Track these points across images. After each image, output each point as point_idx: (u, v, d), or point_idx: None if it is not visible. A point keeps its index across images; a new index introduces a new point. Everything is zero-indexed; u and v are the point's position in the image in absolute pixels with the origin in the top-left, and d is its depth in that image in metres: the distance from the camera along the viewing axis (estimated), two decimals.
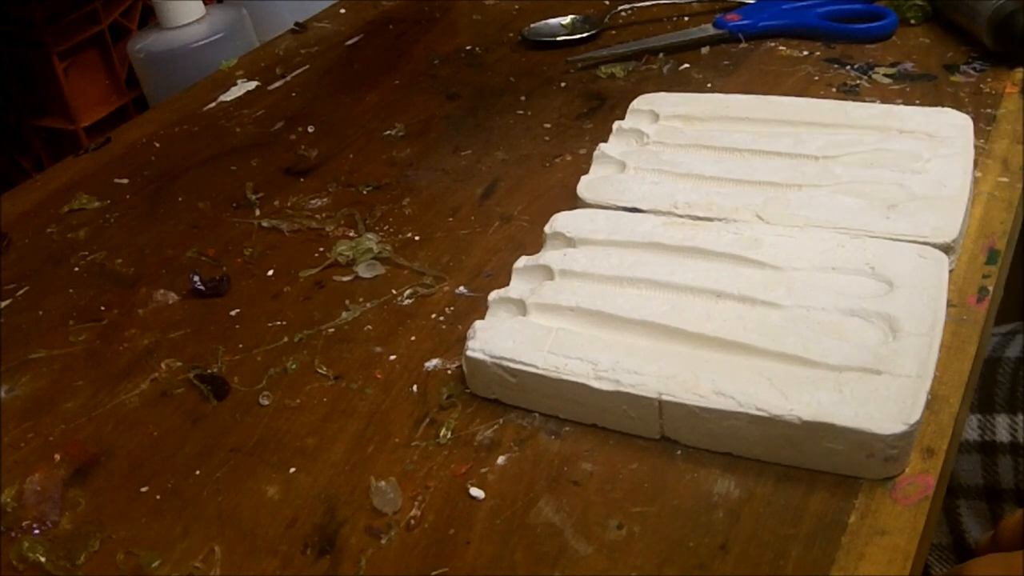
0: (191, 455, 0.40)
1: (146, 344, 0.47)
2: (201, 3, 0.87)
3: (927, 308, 0.37)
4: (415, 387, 0.42)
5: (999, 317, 0.45)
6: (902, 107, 0.52)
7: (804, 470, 0.35)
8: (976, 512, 0.55)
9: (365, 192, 0.57)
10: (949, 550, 0.56)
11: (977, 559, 0.45)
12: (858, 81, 0.59)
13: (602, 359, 0.38)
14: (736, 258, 0.41)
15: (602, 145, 0.52)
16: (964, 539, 0.55)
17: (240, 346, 0.46)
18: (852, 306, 0.38)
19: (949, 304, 0.38)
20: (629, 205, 0.47)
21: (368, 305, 0.47)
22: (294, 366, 0.44)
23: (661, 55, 0.67)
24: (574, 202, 0.49)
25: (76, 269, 0.54)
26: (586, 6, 0.76)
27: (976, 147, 0.49)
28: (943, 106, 0.52)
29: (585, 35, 0.72)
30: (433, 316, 0.46)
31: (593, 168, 0.51)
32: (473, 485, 0.37)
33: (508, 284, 0.43)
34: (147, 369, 0.46)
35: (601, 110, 0.62)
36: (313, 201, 0.57)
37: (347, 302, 0.48)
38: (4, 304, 0.52)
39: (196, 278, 0.50)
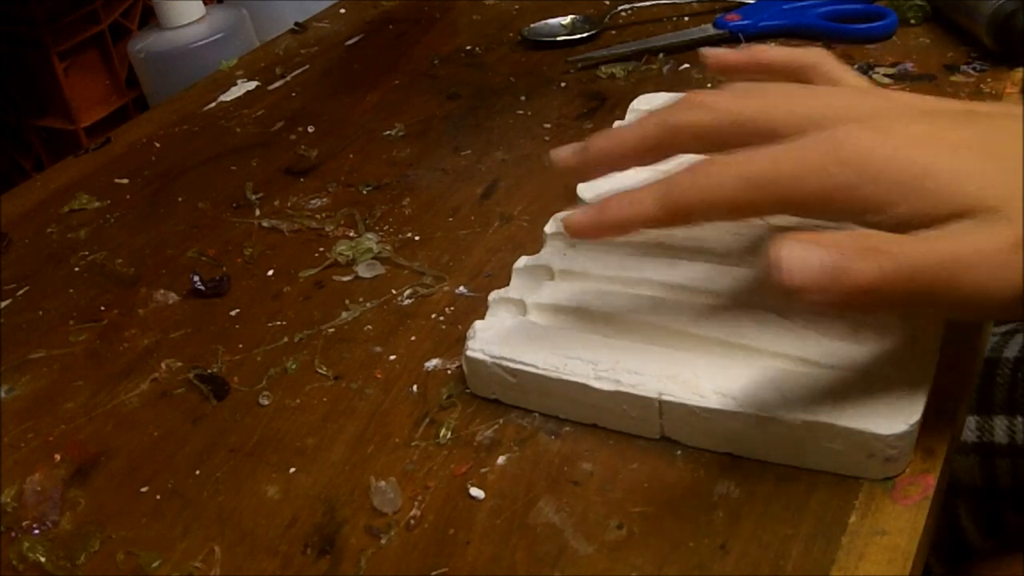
0: (191, 455, 0.40)
1: (146, 344, 0.47)
2: (201, 3, 0.87)
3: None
4: (415, 387, 0.42)
5: None
6: None
7: (804, 470, 0.35)
8: (974, 513, 0.55)
9: (365, 192, 0.57)
10: (948, 551, 0.56)
11: (987, 561, 0.45)
12: None
13: (602, 359, 0.38)
14: (737, 257, 0.41)
15: None
16: (963, 540, 0.55)
17: (240, 346, 0.46)
18: None
19: None
20: None
21: (368, 305, 0.47)
22: (294, 366, 0.44)
23: (661, 55, 0.67)
24: (574, 202, 0.49)
25: (76, 269, 0.54)
26: (586, 6, 0.76)
27: None
28: None
29: (585, 35, 0.72)
30: (433, 316, 0.46)
31: None
32: (473, 485, 0.37)
33: (508, 284, 0.43)
34: (147, 369, 0.46)
35: (601, 110, 0.62)
36: (313, 201, 0.57)
37: (347, 302, 0.48)
38: (4, 304, 0.52)
39: (196, 278, 0.50)
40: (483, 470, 0.37)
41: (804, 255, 0.30)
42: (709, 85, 0.62)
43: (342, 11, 0.86)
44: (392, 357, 0.44)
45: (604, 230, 0.37)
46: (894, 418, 0.33)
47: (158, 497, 0.39)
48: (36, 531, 0.38)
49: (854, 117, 0.33)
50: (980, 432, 0.54)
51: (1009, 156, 0.31)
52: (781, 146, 0.33)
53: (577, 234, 0.37)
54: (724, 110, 0.36)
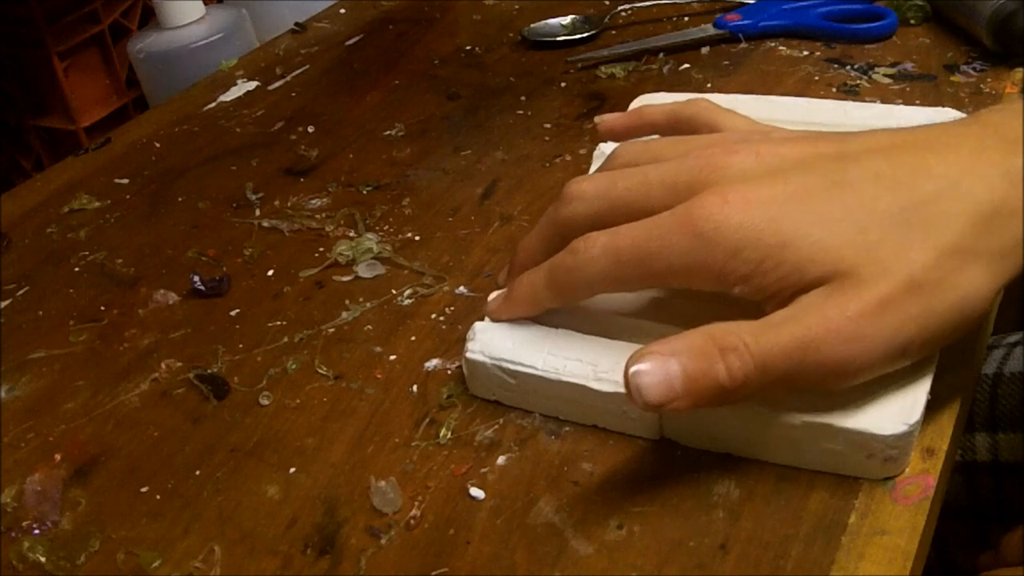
0: (191, 455, 0.40)
1: (146, 344, 0.47)
2: (201, 3, 0.87)
3: None
4: (415, 387, 0.42)
5: None
6: (902, 107, 0.52)
7: (804, 470, 0.35)
8: (962, 533, 0.54)
9: (365, 192, 0.57)
10: (936, 572, 0.55)
11: (985, 574, 0.44)
12: (858, 81, 0.59)
13: (602, 360, 0.38)
14: None
15: (602, 145, 0.52)
16: (951, 561, 0.55)
17: (240, 346, 0.46)
18: None
19: None
20: None
21: (368, 305, 0.47)
22: (294, 366, 0.44)
23: (661, 55, 0.67)
24: None
25: (76, 269, 0.54)
26: (586, 6, 0.76)
27: None
28: (943, 106, 0.52)
29: (585, 35, 0.72)
30: (433, 316, 0.46)
31: (593, 168, 0.51)
32: (473, 485, 0.37)
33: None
34: (147, 369, 0.46)
35: (601, 110, 0.62)
36: (313, 201, 0.57)
37: (347, 302, 0.48)
38: (4, 304, 0.52)
39: (196, 278, 0.50)
40: (483, 470, 0.37)
41: (656, 372, 0.31)
42: (709, 86, 0.62)
43: (342, 11, 0.86)
44: (392, 357, 0.44)
45: (513, 313, 0.40)
46: (894, 418, 0.33)
47: (158, 497, 0.39)
48: (36, 531, 0.38)
49: (719, 179, 0.34)
50: (963, 451, 0.54)
51: (869, 211, 0.32)
52: (644, 223, 0.34)
53: (494, 315, 0.40)
54: (595, 197, 0.37)
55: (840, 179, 0.33)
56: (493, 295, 0.42)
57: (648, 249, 0.33)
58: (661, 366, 0.31)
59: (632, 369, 0.31)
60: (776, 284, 0.32)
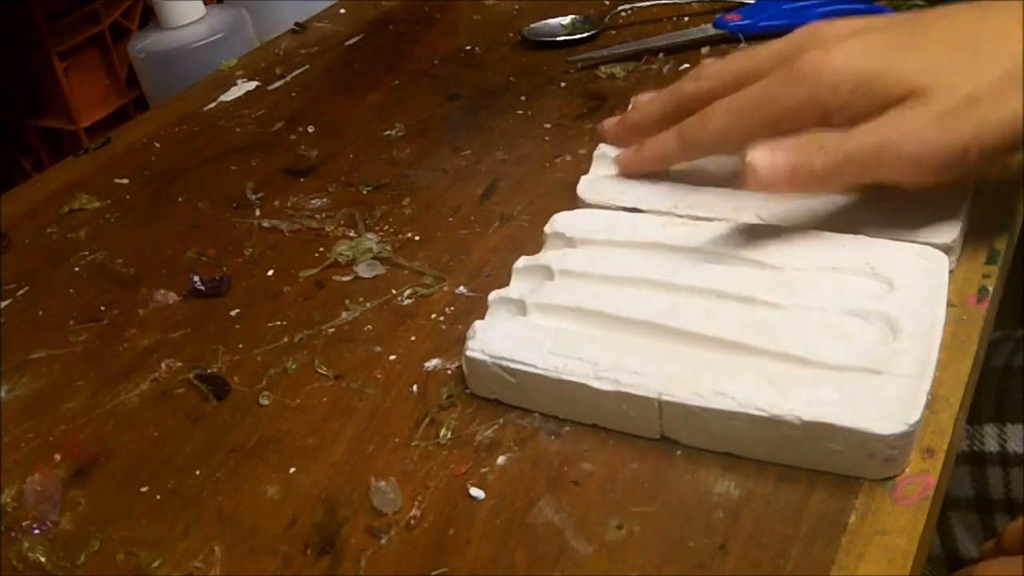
0: (191, 455, 0.40)
1: (146, 344, 0.47)
2: (201, 3, 0.87)
3: (927, 308, 0.37)
4: (415, 387, 0.42)
5: None
6: None
7: (804, 470, 0.35)
8: (968, 524, 0.55)
9: (365, 192, 0.57)
10: (941, 563, 0.55)
11: (986, 562, 0.45)
12: None
13: (602, 359, 0.38)
14: (736, 258, 0.42)
15: (602, 145, 0.52)
16: (957, 551, 0.55)
17: (240, 346, 0.46)
18: (852, 306, 0.38)
19: (949, 304, 0.39)
20: (629, 205, 0.47)
21: (368, 305, 0.47)
22: (294, 366, 0.44)
23: (661, 55, 0.67)
24: (574, 202, 0.49)
25: (76, 269, 0.54)
26: (586, 6, 0.76)
27: None
28: None
29: (585, 35, 0.72)
30: (433, 316, 0.46)
31: (593, 168, 0.51)
32: (473, 485, 0.37)
33: (508, 284, 0.43)
34: (147, 369, 0.46)
35: (601, 110, 0.62)
36: (313, 201, 0.57)
37: (347, 302, 0.48)
38: (4, 304, 0.52)
39: (196, 278, 0.50)
40: (483, 470, 0.37)
41: (771, 158, 0.39)
42: None
43: (342, 11, 0.86)
44: (392, 357, 0.44)
45: (644, 166, 0.47)
46: (894, 418, 0.33)
47: (158, 497, 0.39)
48: (36, 531, 0.38)
49: (819, 40, 0.41)
50: (971, 441, 0.54)
51: (942, 47, 0.39)
52: (757, 83, 0.42)
53: (624, 166, 0.48)
54: (716, 74, 0.45)
55: (920, 29, 0.40)
56: (494, 295, 0.42)
57: (762, 98, 0.41)
58: (771, 154, 0.39)
59: (749, 153, 0.39)
60: (868, 107, 0.38)
